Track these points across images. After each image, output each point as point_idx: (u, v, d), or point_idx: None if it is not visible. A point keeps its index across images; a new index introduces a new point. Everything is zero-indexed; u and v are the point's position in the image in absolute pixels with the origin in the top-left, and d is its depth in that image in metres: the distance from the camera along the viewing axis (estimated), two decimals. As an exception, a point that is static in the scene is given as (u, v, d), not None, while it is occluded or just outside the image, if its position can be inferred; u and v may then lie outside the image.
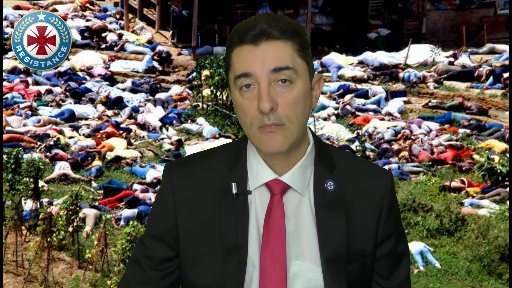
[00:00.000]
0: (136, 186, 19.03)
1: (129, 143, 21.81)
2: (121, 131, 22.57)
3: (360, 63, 29.42)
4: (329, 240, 2.31)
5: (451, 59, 29.53)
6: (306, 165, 2.35)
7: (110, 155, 20.78)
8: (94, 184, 19.31)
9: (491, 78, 27.75)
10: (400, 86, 27.90)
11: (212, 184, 2.36)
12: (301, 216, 2.33)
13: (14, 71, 25.78)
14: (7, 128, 21.70)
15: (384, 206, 2.38)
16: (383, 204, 2.38)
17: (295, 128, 2.26)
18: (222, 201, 2.34)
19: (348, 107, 25.60)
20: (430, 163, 21.75)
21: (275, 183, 2.33)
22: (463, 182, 20.35)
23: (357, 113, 25.46)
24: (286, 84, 2.25)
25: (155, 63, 28.59)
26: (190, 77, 27.42)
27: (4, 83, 24.63)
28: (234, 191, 2.32)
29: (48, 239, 14.78)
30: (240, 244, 2.31)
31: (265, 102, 2.22)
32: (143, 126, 23.44)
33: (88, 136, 22.11)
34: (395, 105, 26.15)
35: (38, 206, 16.26)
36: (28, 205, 16.53)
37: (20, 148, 18.92)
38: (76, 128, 22.59)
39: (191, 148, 21.40)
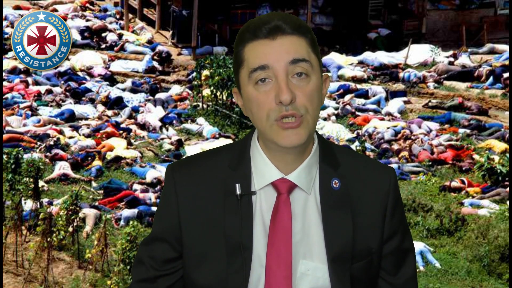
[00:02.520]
0: (136, 186, 19.03)
1: (129, 143, 21.80)
2: (121, 131, 22.57)
3: (360, 63, 29.42)
4: (335, 238, 2.31)
5: (451, 59, 29.53)
6: (312, 164, 2.35)
7: (110, 155, 20.77)
8: (94, 184, 19.30)
9: (491, 78, 27.75)
10: (400, 86, 27.90)
11: (216, 185, 2.35)
12: (308, 215, 2.33)
13: (14, 71, 25.77)
14: (7, 128, 21.68)
15: (389, 203, 2.39)
16: (388, 200, 2.38)
17: (311, 119, 2.27)
18: (226, 202, 2.33)
19: (348, 107, 25.60)
20: (430, 163, 21.74)
21: (281, 182, 2.32)
22: (463, 182, 20.35)
23: (357, 113, 25.46)
24: (303, 77, 2.26)
25: (155, 63, 28.59)
26: (190, 77, 27.41)
27: (4, 83, 24.61)
28: (238, 192, 2.31)
29: (48, 239, 14.78)
30: (244, 244, 2.30)
31: (285, 94, 2.23)
32: (143, 126, 23.43)
33: (88, 136, 22.10)
34: (395, 105, 26.14)
35: (38, 206, 16.26)
36: (28, 205, 16.53)
37: (20, 148, 18.92)
38: (76, 128, 22.58)
39: (191, 148, 21.37)
